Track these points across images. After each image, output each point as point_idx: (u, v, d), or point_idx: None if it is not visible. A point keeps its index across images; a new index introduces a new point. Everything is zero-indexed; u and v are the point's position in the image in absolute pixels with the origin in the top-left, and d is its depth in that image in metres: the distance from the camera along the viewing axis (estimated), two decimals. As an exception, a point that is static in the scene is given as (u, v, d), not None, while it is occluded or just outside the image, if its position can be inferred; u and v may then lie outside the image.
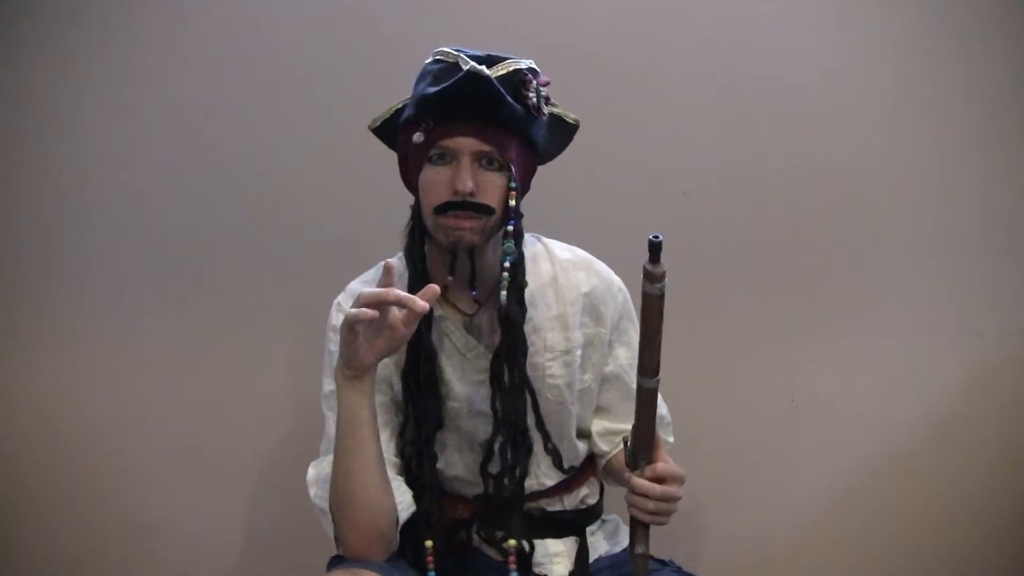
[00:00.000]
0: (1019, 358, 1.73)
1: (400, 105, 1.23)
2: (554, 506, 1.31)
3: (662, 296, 1.04)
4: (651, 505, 1.11)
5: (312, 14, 1.66)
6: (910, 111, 1.70)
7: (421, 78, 1.18)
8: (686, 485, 1.17)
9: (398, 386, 1.23)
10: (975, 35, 1.68)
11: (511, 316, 1.19)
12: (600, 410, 1.35)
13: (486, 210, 1.15)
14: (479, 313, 1.24)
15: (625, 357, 1.33)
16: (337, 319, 1.25)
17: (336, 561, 1.18)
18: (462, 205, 1.14)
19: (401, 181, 1.25)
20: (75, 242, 1.70)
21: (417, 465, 1.20)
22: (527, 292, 1.24)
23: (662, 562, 1.28)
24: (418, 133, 1.15)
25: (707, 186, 1.70)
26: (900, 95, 1.70)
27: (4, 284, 1.71)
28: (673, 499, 1.12)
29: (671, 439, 1.40)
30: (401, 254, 1.29)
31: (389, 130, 1.25)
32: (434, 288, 1.04)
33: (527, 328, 1.23)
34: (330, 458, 1.17)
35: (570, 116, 1.27)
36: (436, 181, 1.15)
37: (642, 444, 1.12)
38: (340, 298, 1.29)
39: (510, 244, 1.17)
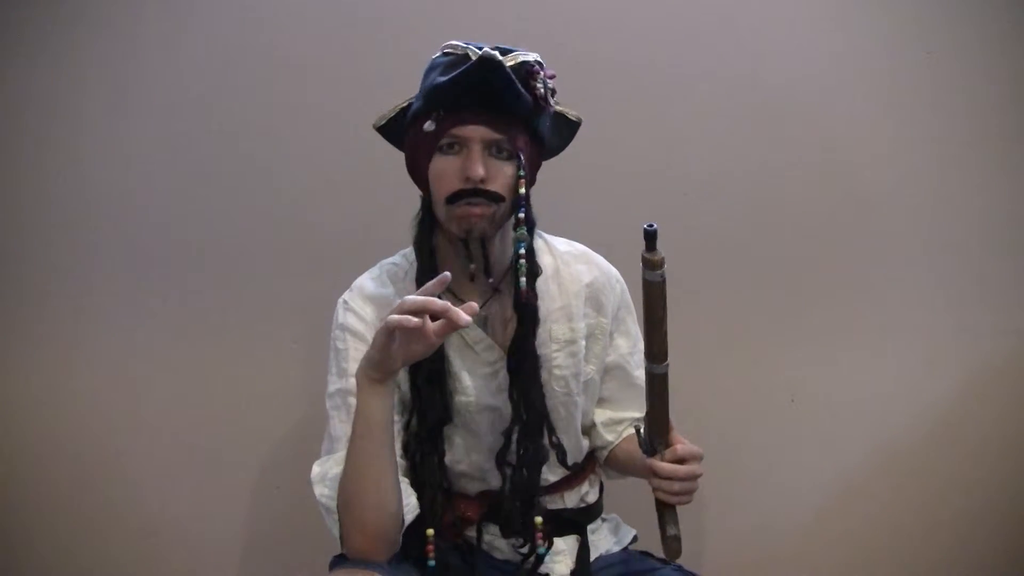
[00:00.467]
0: (1018, 358, 1.73)
1: (405, 104, 1.24)
2: (555, 504, 1.31)
3: (663, 283, 1.07)
4: (677, 487, 1.14)
5: (313, 13, 1.66)
6: (910, 111, 1.70)
7: (430, 71, 1.19)
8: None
9: (406, 385, 1.23)
10: (974, 36, 1.68)
11: (528, 302, 1.20)
12: (602, 400, 1.37)
13: (496, 198, 1.16)
14: (487, 306, 1.25)
15: (625, 346, 1.35)
16: (345, 317, 1.25)
17: (339, 560, 1.18)
18: (473, 192, 1.15)
19: (408, 178, 1.25)
20: (75, 242, 1.70)
21: (421, 459, 1.20)
22: None
23: (663, 561, 1.29)
24: (429, 122, 1.16)
25: (707, 186, 1.70)
26: (900, 96, 1.70)
27: (4, 284, 1.71)
28: (696, 477, 1.15)
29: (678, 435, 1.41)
30: (406, 250, 1.30)
31: (394, 130, 1.25)
32: (473, 306, 1.04)
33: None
34: (336, 457, 1.17)
35: (572, 114, 1.28)
36: (447, 170, 1.16)
37: (658, 429, 1.15)
38: (347, 296, 1.29)
39: (523, 231, 1.18)
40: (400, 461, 1.20)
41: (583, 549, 1.30)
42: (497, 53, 1.13)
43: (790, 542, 1.76)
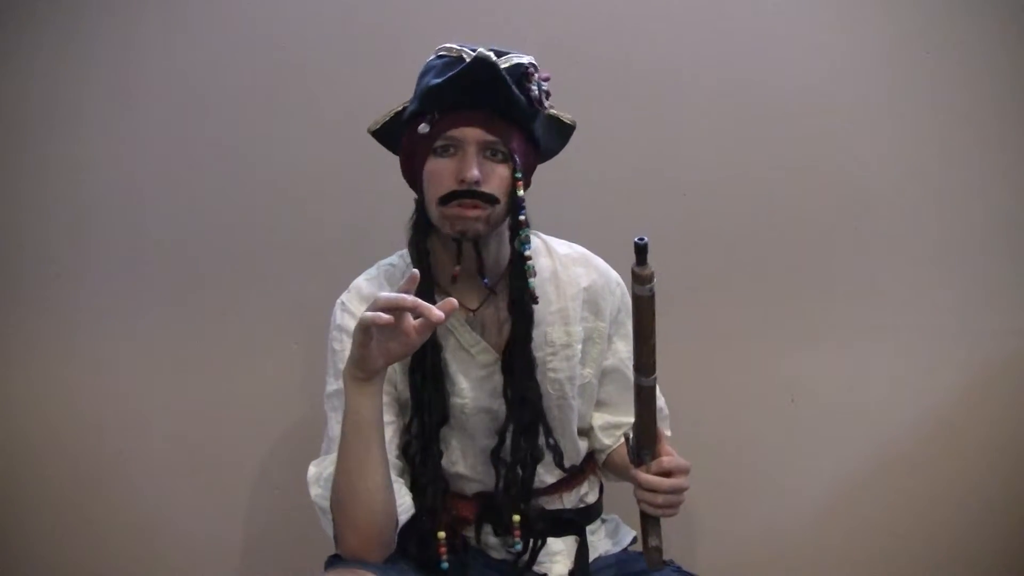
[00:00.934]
0: (1019, 358, 1.73)
1: (400, 108, 1.24)
2: (554, 504, 1.31)
3: (652, 297, 1.07)
4: (660, 499, 1.13)
5: (312, 14, 1.67)
6: (910, 112, 1.70)
7: (425, 73, 1.19)
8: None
9: (401, 385, 1.24)
10: (975, 37, 1.68)
11: (527, 302, 1.21)
12: (600, 404, 1.37)
13: (491, 199, 1.16)
14: (482, 308, 1.25)
15: (624, 350, 1.34)
16: (342, 318, 1.25)
17: (334, 561, 1.18)
18: (468, 194, 1.15)
19: (403, 180, 1.26)
20: (75, 242, 1.71)
21: (422, 460, 1.20)
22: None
23: (663, 562, 1.29)
24: (423, 124, 1.16)
25: (706, 186, 1.70)
26: (900, 96, 1.70)
27: (4, 284, 1.71)
28: (681, 490, 1.14)
29: (669, 432, 1.41)
30: (403, 251, 1.30)
31: (389, 133, 1.25)
32: (452, 302, 1.04)
33: None
34: (332, 457, 1.17)
35: (567, 117, 1.28)
36: (441, 171, 1.16)
37: (645, 440, 1.14)
38: (344, 297, 1.29)
39: (526, 232, 1.19)
40: (396, 462, 1.20)
41: (582, 549, 1.30)
42: (492, 54, 1.13)
43: (790, 542, 1.76)
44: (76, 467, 1.73)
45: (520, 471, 1.22)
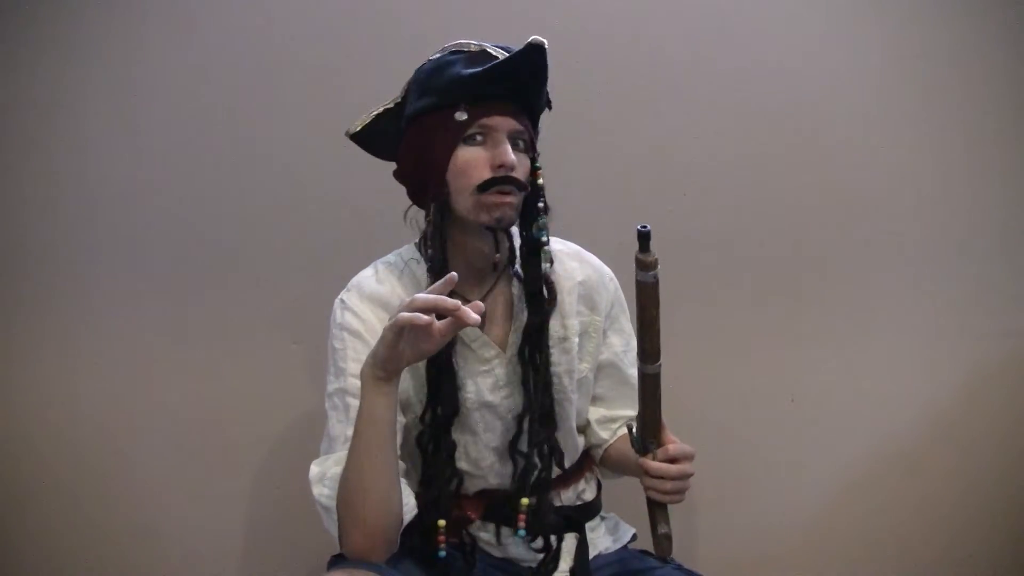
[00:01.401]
0: (1018, 358, 1.73)
1: (381, 110, 1.25)
2: (553, 502, 1.30)
3: (656, 283, 1.08)
4: (668, 485, 1.15)
5: (313, 15, 1.67)
6: (910, 112, 1.70)
7: (440, 69, 1.19)
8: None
9: (404, 384, 1.23)
10: (974, 38, 1.68)
11: (551, 285, 1.23)
12: (596, 399, 1.37)
13: (523, 186, 1.19)
14: (485, 302, 1.25)
15: (619, 344, 1.35)
16: (342, 316, 1.25)
17: (337, 560, 1.18)
18: (505, 180, 1.16)
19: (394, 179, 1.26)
20: (76, 242, 1.71)
21: (434, 451, 1.21)
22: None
23: (663, 559, 1.29)
24: (460, 112, 1.16)
25: (707, 186, 1.70)
26: (900, 97, 1.70)
27: (4, 284, 1.71)
28: (687, 476, 1.17)
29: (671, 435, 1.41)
30: (401, 249, 1.31)
31: (371, 136, 1.26)
32: (480, 305, 1.04)
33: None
34: (335, 456, 1.17)
35: None
36: (476, 160, 1.17)
37: (650, 429, 1.16)
38: (344, 295, 1.29)
39: (544, 219, 1.21)
40: (400, 462, 1.20)
41: (582, 547, 1.30)
42: (536, 37, 1.14)
43: (790, 542, 1.76)
44: (76, 467, 1.73)
45: (539, 461, 1.23)
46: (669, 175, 1.70)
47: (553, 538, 1.26)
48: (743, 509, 1.75)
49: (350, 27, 1.67)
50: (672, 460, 1.16)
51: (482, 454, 1.26)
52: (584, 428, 1.37)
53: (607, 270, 1.36)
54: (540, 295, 1.23)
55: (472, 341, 1.25)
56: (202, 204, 1.70)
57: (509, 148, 1.16)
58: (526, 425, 1.23)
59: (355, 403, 1.17)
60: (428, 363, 1.21)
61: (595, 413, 1.37)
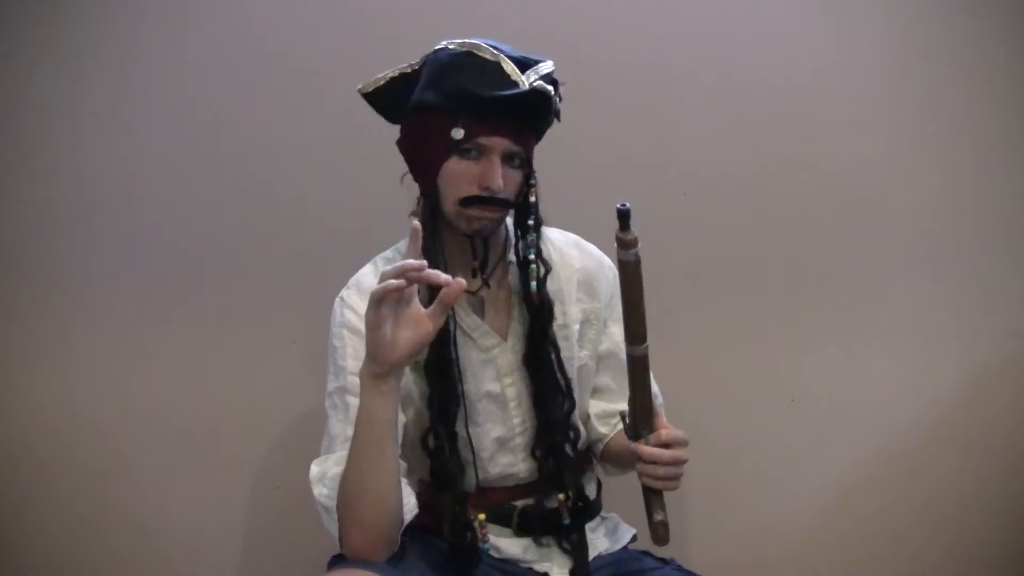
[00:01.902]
0: (1019, 358, 1.73)
1: (396, 74, 1.25)
2: (552, 503, 1.30)
3: (638, 262, 1.09)
4: (661, 471, 1.14)
5: (312, 13, 1.67)
6: (909, 112, 1.70)
7: (452, 69, 1.18)
8: (686, 482, 1.18)
9: (405, 377, 1.23)
10: (974, 36, 1.68)
11: (545, 302, 1.24)
12: (596, 391, 1.37)
13: (508, 204, 1.20)
14: (481, 291, 1.26)
15: (619, 334, 1.34)
16: (342, 314, 1.25)
17: (337, 560, 1.18)
18: (489, 200, 1.17)
19: (400, 179, 1.26)
20: (75, 242, 1.71)
21: (451, 448, 1.21)
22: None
23: (663, 560, 1.29)
24: (458, 129, 1.16)
25: (707, 186, 1.70)
26: (900, 96, 1.70)
27: (4, 284, 1.71)
28: (681, 462, 1.16)
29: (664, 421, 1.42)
30: (399, 244, 1.31)
31: (383, 97, 1.26)
32: (461, 281, 1.03)
33: None
34: (335, 456, 1.17)
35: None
36: (464, 174, 1.18)
37: (641, 414, 1.16)
38: (344, 293, 1.29)
39: (534, 237, 1.23)
40: (401, 461, 1.20)
41: (582, 547, 1.30)
42: (543, 83, 1.15)
43: (790, 542, 1.76)
44: (74, 467, 1.73)
45: (551, 464, 1.25)
46: (669, 175, 1.70)
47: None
48: (743, 510, 1.75)
49: (350, 27, 1.67)
50: (665, 446, 1.15)
51: (483, 444, 1.27)
52: (585, 421, 1.37)
53: (607, 259, 1.36)
54: (538, 306, 1.24)
55: (473, 331, 1.26)
56: (200, 203, 1.70)
57: (499, 170, 1.16)
58: (536, 417, 1.25)
59: (355, 402, 1.16)
60: (428, 363, 1.21)
61: (595, 407, 1.37)
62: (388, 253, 1.32)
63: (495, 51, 1.17)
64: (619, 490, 1.41)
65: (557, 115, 1.22)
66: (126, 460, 1.74)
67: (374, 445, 1.10)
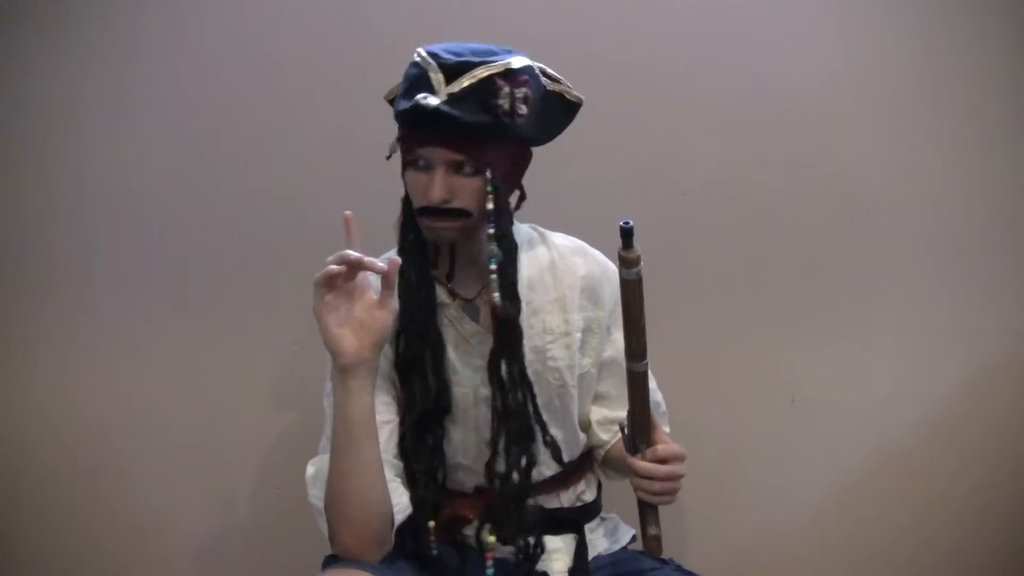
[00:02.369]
0: (1019, 358, 1.73)
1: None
2: (552, 503, 1.31)
3: (640, 280, 1.09)
4: (657, 486, 1.15)
5: (313, 14, 1.67)
6: (910, 112, 1.70)
7: (405, 77, 1.18)
8: (686, 483, 1.19)
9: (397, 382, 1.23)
10: (974, 36, 1.68)
11: (507, 314, 1.19)
12: (599, 398, 1.37)
13: (463, 214, 1.17)
14: (480, 296, 1.26)
15: (622, 341, 1.33)
16: None
17: (330, 561, 1.18)
18: (436, 211, 1.16)
19: (401, 180, 1.26)
20: (75, 242, 1.71)
21: (414, 451, 1.20)
22: (526, 277, 1.27)
23: (662, 561, 1.29)
24: (395, 143, 1.19)
25: (707, 186, 1.70)
26: (900, 96, 1.70)
27: (4, 284, 1.71)
28: (677, 477, 1.16)
29: (667, 429, 1.41)
30: (395, 248, 1.31)
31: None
32: (396, 260, 1.09)
33: (527, 311, 1.25)
34: (327, 456, 1.17)
35: (572, 94, 1.25)
36: (415, 186, 1.18)
37: (639, 428, 1.16)
38: None
39: (493, 247, 1.18)
40: (395, 462, 1.20)
41: (581, 548, 1.30)
42: (432, 99, 1.10)
43: (790, 542, 1.76)
44: (76, 467, 1.74)
45: (515, 477, 1.21)
46: (670, 174, 1.70)
47: (531, 540, 1.23)
48: (743, 509, 1.75)
49: (351, 27, 1.67)
50: (661, 461, 1.15)
51: (481, 450, 1.26)
52: (586, 428, 1.36)
53: (611, 266, 1.34)
54: (502, 319, 1.19)
55: (471, 336, 1.25)
56: (200, 204, 1.70)
57: (439, 182, 1.14)
58: (501, 445, 1.21)
59: None
60: (402, 364, 1.21)
61: (596, 414, 1.36)
62: (390, 254, 1.32)
63: (430, 58, 1.14)
64: (619, 491, 1.41)
65: (506, 115, 1.13)
66: (127, 460, 1.74)
67: (351, 444, 1.10)
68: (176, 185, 1.70)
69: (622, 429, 1.18)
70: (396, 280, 1.12)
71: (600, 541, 1.35)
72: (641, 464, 1.15)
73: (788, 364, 1.73)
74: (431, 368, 1.21)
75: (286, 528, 1.72)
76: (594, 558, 1.32)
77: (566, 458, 1.30)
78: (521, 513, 1.21)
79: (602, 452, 1.37)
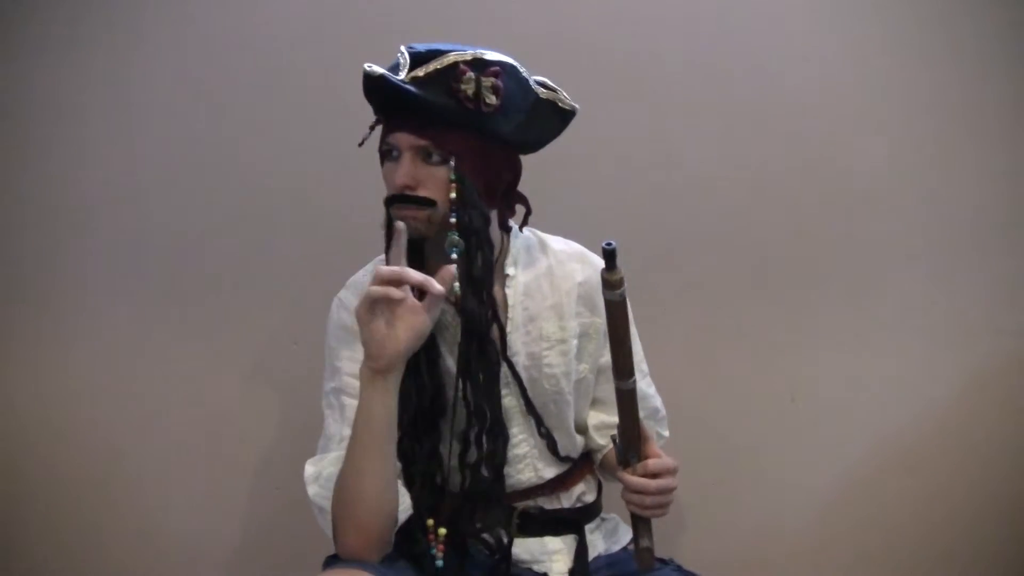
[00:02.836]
0: (1019, 358, 1.73)
1: None
2: (552, 504, 1.31)
3: (624, 301, 1.08)
4: (648, 500, 1.14)
5: (313, 13, 1.67)
6: (909, 111, 1.70)
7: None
8: (686, 482, 1.19)
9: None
10: (973, 35, 1.68)
11: (467, 309, 1.17)
12: (596, 403, 1.37)
13: (427, 202, 1.16)
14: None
15: None
16: (339, 315, 1.26)
17: (332, 560, 1.18)
18: (402, 199, 1.15)
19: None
20: (75, 242, 1.71)
21: (412, 453, 1.19)
22: (523, 283, 1.26)
23: (663, 561, 1.29)
24: (367, 131, 1.19)
25: (708, 186, 1.70)
26: (899, 95, 1.70)
27: (4, 284, 1.71)
28: (669, 491, 1.15)
29: (666, 433, 1.42)
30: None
31: None
32: (450, 269, 1.07)
33: (523, 317, 1.25)
34: (331, 456, 1.17)
35: (566, 102, 1.24)
36: (387, 176, 1.19)
37: (630, 442, 1.16)
38: (342, 294, 1.29)
39: (453, 236, 1.16)
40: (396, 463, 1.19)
41: (581, 548, 1.30)
42: (375, 67, 1.10)
43: (790, 541, 1.76)
44: (76, 467, 1.73)
45: (485, 473, 1.19)
46: (670, 174, 1.70)
47: (504, 535, 1.22)
48: (742, 509, 1.75)
49: (352, 26, 1.67)
50: (653, 475, 1.14)
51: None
52: (584, 431, 1.36)
53: None
54: (464, 312, 1.17)
55: (444, 330, 1.24)
56: (200, 204, 1.70)
57: (404, 167, 1.14)
58: (472, 437, 1.19)
59: (350, 402, 1.17)
60: (423, 356, 1.19)
61: (594, 419, 1.36)
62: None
63: (405, 50, 1.15)
64: (619, 492, 1.41)
65: (470, 102, 1.12)
66: (127, 460, 1.74)
67: (372, 445, 1.10)
68: (176, 186, 1.70)
69: (614, 441, 1.18)
70: (454, 287, 1.14)
71: (600, 542, 1.35)
72: (632, 479, 1.15)
73: (788, 363, 1.73)
74: (425, 368, 1.20)
75: (286, 528, 1.72)
76: (594, 559, 1.31)
77: (562, 453, 1.30)
78: (498, 510, 1.21)
79: (600, 456, 1.37)
